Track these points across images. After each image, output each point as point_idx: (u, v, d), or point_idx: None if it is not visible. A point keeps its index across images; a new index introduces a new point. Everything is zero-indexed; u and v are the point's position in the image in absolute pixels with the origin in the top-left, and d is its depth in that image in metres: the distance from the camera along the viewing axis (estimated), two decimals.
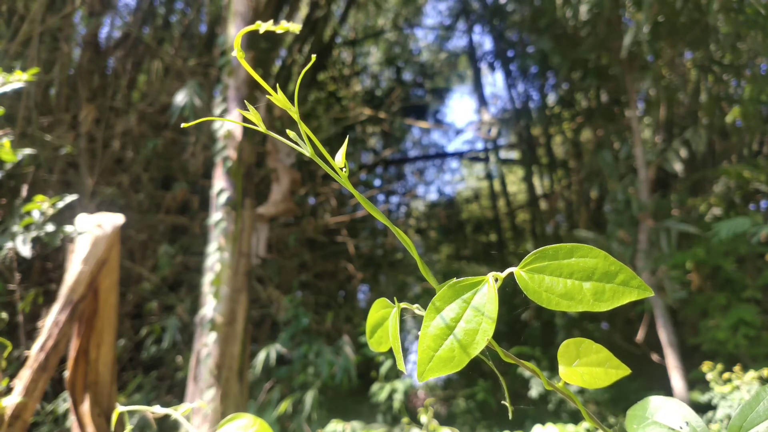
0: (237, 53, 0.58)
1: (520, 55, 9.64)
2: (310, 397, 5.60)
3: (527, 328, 8.27)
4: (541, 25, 7.40)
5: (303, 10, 9.00)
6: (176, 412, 1.06)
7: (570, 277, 0.61)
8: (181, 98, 5.69)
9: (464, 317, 0.62)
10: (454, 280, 0.64)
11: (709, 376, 3.27)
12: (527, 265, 0.64)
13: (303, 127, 0.65)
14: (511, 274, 0.64)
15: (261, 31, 0.59)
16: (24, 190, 4.99)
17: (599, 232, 7.09)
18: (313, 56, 0.69)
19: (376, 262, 9.50)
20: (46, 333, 2.43)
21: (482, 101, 12.09)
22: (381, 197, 11.79)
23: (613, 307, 0.60)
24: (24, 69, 3.02)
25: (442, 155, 13.58)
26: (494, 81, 19.82)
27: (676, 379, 5.49)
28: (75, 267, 2.57)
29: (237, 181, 4.88)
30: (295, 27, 0.58)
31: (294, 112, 0.65)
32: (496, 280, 0.64)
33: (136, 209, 6.50)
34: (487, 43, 15.86)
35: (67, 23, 6.17)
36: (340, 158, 0.67)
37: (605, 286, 0.60)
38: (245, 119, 0.68)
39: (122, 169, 6.68)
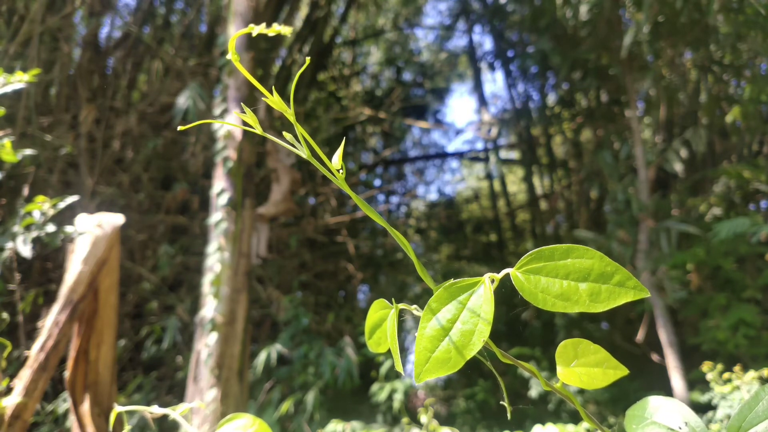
0: (232, 56, 0.59)
1: (520, 55, 9.64)
2: (311, 397, 5.61)
3: (527, 327, 8.27)
4: (541, 25, 7.40)
5: (303, 10, 9.01)
6: (175, 412, 1.06)
7: (566, 278, 0.61)
8: (183, 101, 5.69)
9: (460, 318, 0.62)
10: (451, 281, 0.64)
11: (709, 376, 3.26)
12: (523, 266, 0.64)
13: (299, 129, 0.65)
14: (508, 274, 0.64)
15: (254, 34, 0.59)
16: (25, 191, 4.99)
17: (599, 232, 7.09)
18: (308, 59, 0.70)
19: (376, 262, 9.50)
20: (46, 333, 2.43)
21: (482, 101, 12.10)
22: (381, 197, 11.80)
23: (609, 307, 0.60)
24: (24, 69, 3.02)
25: (442, 155, 13.58)
26: (494, 81, 19.84)
27: (676, 379, 5.49)
28: (75, 267, 2.57)
29: (237, 181, 4.88)
30: (287, 30, 0.58)
31: (290, 114, 0.65)
32: (493, 281, 0.64)
33: (136, 209, 6.50)
34: (487, 43, 15.88)
35: (67, 23, 6.17)
36: (336, 160, 0.67)
37: (601, 286, 0.60)
38: (243, 121, 0.68)
39: (122, 169, 6.68)
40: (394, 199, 12.57)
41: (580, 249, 0.62)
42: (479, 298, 0.62)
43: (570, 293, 0.61)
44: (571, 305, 0.60)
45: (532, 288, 0.62)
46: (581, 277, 0.61)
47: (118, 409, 1.10)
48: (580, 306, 0.60)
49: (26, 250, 2.42)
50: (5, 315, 2.56)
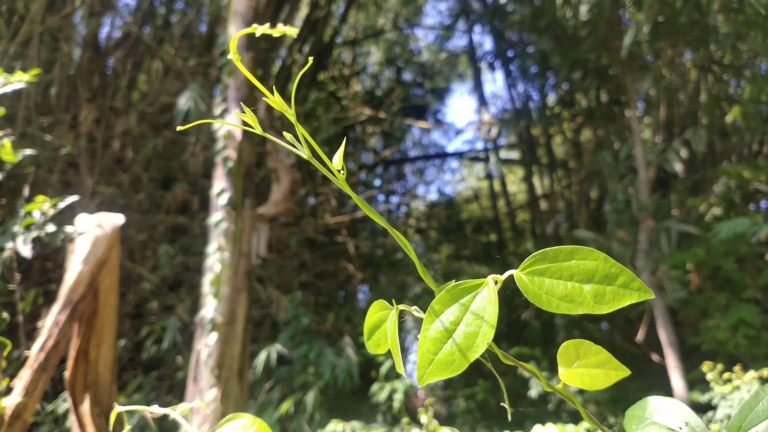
0: (233, 56, 0.58)
1: (520, 55, 9.64)
2: (311, 397, 5.61)
3: (527, 328, 8.27)
4: (541, 25, 7.40)
5: (303, 10, 9.00)
6: (175, 412, 1.05)
7: (570, 280, 0.61)
8: (183, 102, 5.68)
9: (464, 320, 0.62)
10: (453, 283, 0.64)
11: (709, 376, 3.26)
12: (527, 267, 0.63)
13: (300, 129, 0.65)
14: (511, 275, 0.64)
15: (257, 35, 0.58)
16: (25, 191, 4.98)
17: (599, 232, 7.09)
18: (310, 59, 0.69)
19: (376, 262, 9.49)
20: (46, 333, 2.43)
21: (482, 101, 12.09)
22: (381, 197, 11.79)
23: (613, 309, 0.59)
24: (24, 69, 3.02)
25: (442, 155, 13.58)
26: (494, 81, 19.84)
27: (676, 379, 5.48)
28: (75, 267, 2.57)
29: (237, 181, 4.88)
30: (293, 31, 0.58)
31: (291, 114, 0.65)
32: (496, 282, 0.63)
33: (136, 209, 6.50)
34: (487, 43, 15.88)
35: (67, 23, 6.17)
36: (337, 160, 0.67)
37: (606, 288, 0.60)
38: (243, 121, 0.68)
39: (122, 169, 6.68)
40: (394, 199, 12.57)
41: (584, 250, 0.61)
42: (483, 300, 0.62)
43: (574, 295, 0.60)
44: (576, 307, 0.60)
45: (537, 290, 0.62)
46: (585, 279, 0.61)
47: (118, 409, 1.10)
48: (585, 308, 0.60)
49: (26, 250, 2.42)
50: (5, 315, 2.55)
